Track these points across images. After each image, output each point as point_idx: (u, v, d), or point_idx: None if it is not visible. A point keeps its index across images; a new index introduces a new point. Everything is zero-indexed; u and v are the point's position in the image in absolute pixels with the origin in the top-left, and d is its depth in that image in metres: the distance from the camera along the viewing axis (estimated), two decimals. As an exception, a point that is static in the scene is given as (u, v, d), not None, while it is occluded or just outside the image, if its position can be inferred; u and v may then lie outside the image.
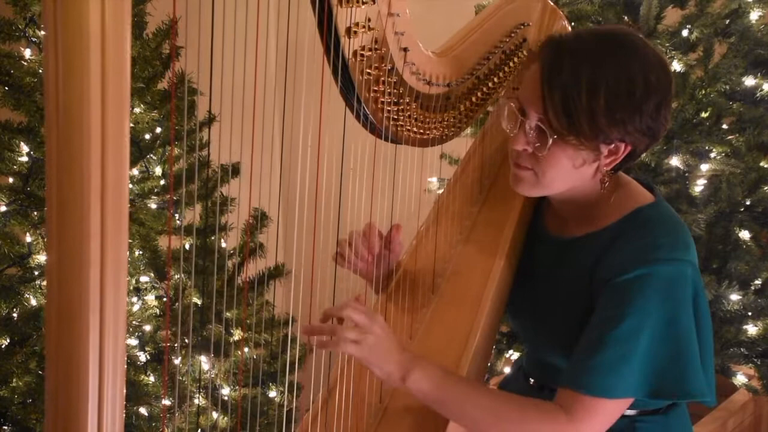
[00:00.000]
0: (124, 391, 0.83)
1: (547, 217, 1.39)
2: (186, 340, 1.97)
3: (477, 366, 1.30)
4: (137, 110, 1.93)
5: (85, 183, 0.76)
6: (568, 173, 1.22)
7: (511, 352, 2.49)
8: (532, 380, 1.42)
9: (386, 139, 1.30)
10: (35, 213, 1.90)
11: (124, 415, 0.84)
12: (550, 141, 1.18)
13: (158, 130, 2.00)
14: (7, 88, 1.84)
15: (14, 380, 1.87)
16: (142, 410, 1.98)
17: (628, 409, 1.27)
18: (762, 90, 2.31)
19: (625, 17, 2.33)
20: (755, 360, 2.33)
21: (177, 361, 2.03)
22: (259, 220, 2.07)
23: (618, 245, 1.22)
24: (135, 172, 1.99)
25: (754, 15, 2.33)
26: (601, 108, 1.14)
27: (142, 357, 2.02)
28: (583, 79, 1.14)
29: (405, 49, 1.21)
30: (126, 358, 1.88)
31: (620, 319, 1.16)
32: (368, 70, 1.20)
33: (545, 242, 1.36)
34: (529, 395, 1.31)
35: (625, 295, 1.17)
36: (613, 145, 1.19)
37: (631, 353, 1.15)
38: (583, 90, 1.14)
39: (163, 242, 2.00)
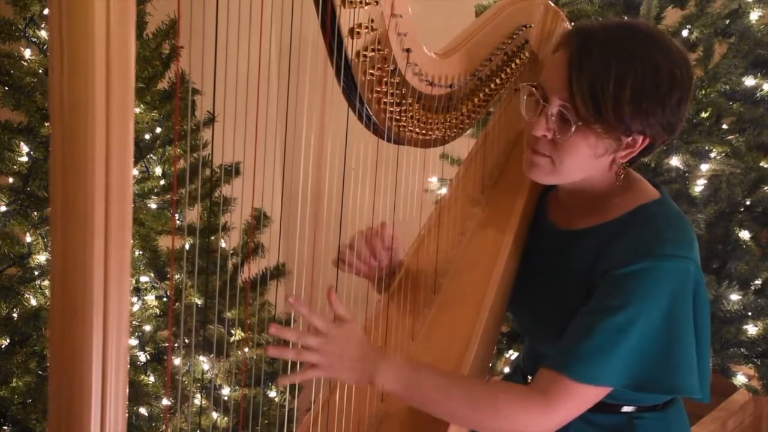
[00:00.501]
0: (127, 390, 0.83)
1: (551, 209, 1.39)
2: (186, 340, 1.97)
3: (479, 365, 1.30)
4: (137, 110, 1.93)
5: (90, 183, 0.76)
6: (585, 162, 1.22)
7: (511, 352, 2.49)
8: (530, 378, 1.42)
9: (388, 140, 1.30)
10: (35, 213, 1.89)
11: (126, 413, 0.84)
12: (573, 128, 1.18)
13: (158, 130, 2.00)
14: (7, 88, 1.84)
15: (14, 380, 1.87)
16: (142, 410, 1.98)
17: (626, 405, 1.27)
18: (762, 90, 2.31)
19: (625, 17, 2.33)
20: (755, 360, 2.33)
21: (177, 361, 2.02)
22: (260, 219, 2.07)
23: (621, 238, 1.22)
24: (135, 172, 1.99)
25: (754, 15, 2.33)
26: (627, 98, 1.15)
27: (142, 357, 2.02)
28: (612, 67, 1.15)
29: (408, 50, 1.21)
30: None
31: (615, 310, 1.16)
32: (371, 71, 1.20)
33: (549, 234, 1.37)
34: None
35: (624, 287, 1.17)
36: (631, 138, 1.20)
37: (621, 344, 1.15)
38: (612, 78, 1.15)
39: (163, 242, 1.99)
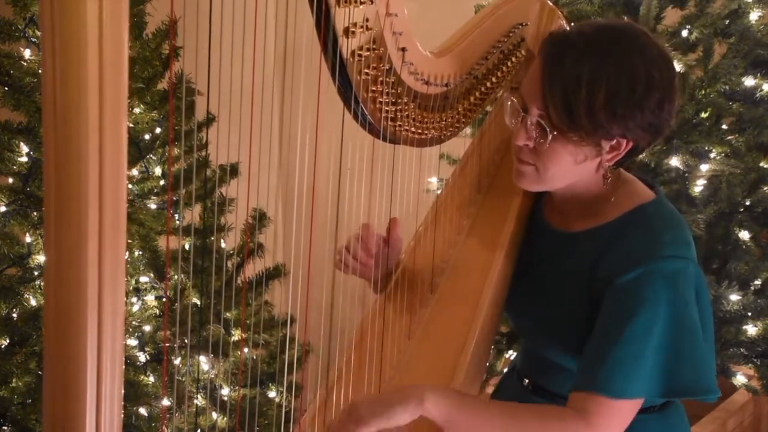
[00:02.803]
0: (122, 391, 0.83)
1: (547, 210, 1.39)
2: (186, 341, 1.97)
3: (475, 365, 1.30)
4: (137, 110, 1.93)
5: (83, 183, 0.76)
6: (569, 169, 1.22)
7: (510, 352, 2.49)
8: (526, 381, 1.42)
9: (384, 139, 1.30)
10: (35, 213, 1.90)
11: (122, 415, 0.84)
12: (550, 137, 1.17)
13: (158, 130, 2.00)
14: (7, 88, 1.84)
15: (14, 380, 1.87)
16: (142, 410, 1.98)
17: (659, 401, 1.27)
18: (762, 90, 2.31)
19: (625, 17, 2.33)
20: (755, 360, 2.33)
21: (177, 362, 2.03)
22: (257, 220, 2.07)
23: (620, 242, 1.22)
24: (135, 172, 1.99)
25: (754, 15, 2.33)
26: (601, 103, 1.14)
27: (142, 357, 2.02)
28: (583, 74, 1.13)
29: (403, 49, 1.21)
30: (125, 359, 1.89)
31: (630, 319, 1.15)
32: (366, 70, 1.19)
33: (546, 235, 1.36)
34: (524, 397, 1.31)
35: (632, 295, 1.16)
36: (614, 141, 1.19)
37: (644, 352, 1.15)
38: (583, 85, 1.13)
39: (163, 242, 2.00)
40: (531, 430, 1.16)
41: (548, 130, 1.17)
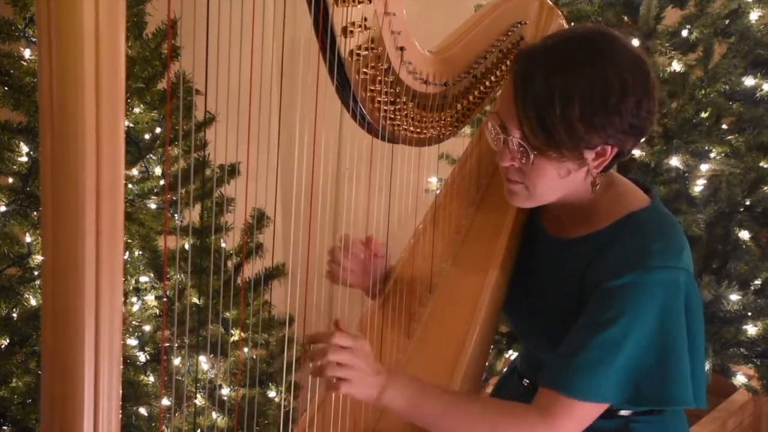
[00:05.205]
0: (121, 391, 0.83)
1: (544, 216, 1.39)
2: (185, 340, 1.97)
3: (474, 366, 1.30)
4: (137, 110, 1.93)
5: (80, 183, 0.76)
6: (557, 183, 1.21)
7: (510, 352, 2.49)
8: (526, 381, 1.42)
9: (383, 139, 1.30)
10: (35, 213, 1.90)
11: (120, 415, 0.84)
12: (532, 156, 1.17)
13: (158, 130, 2.00)
14: (6, 88, 1.84)
15: (14, 380, 1.87)
16: (142, 410, 1.98)
17: (622, 409, 1.27)
18: (762, 90, 2.31)
19: (625, 17, 2.33)
20: (755, 360, 2.33)
21: (177, 362, 2.03)
22: (255, 219, 2.07)
23: (610, 249, 1.22)
24: (135, 172, 1.99)
25: (754, 15, 2.32)
26: (577, 117, 1.13)
27: (142, 357, 2.02)
28: (555, 90, 1.13)
29: (401, 49, 1.21)
30: (124, 359, 1.89)
31: (607, 324, 1.16)
32: (364, 70, 1.20)
33: (543, 241, 1.36)
34: (523, 397, 1.31)
35: (615, 301, 1.16)
36: (599, 148, 1.19)
37: (614, 359, 1.15)
38: (557, 102, 1.13)
39: (162, 242, 1.99)
40: (487, 424, 1.18)
41: (528, 150, 1.17)
